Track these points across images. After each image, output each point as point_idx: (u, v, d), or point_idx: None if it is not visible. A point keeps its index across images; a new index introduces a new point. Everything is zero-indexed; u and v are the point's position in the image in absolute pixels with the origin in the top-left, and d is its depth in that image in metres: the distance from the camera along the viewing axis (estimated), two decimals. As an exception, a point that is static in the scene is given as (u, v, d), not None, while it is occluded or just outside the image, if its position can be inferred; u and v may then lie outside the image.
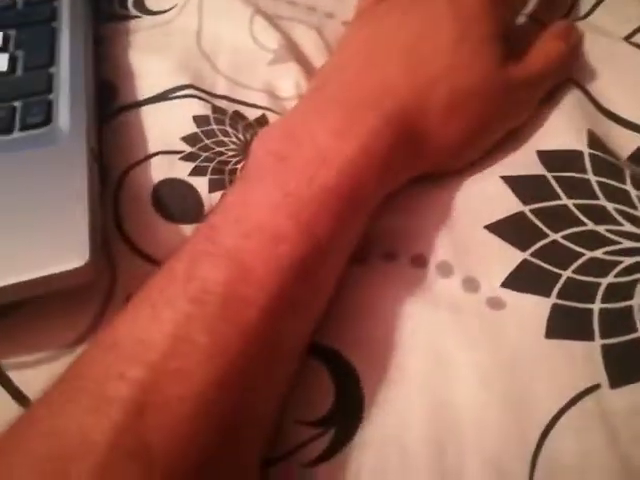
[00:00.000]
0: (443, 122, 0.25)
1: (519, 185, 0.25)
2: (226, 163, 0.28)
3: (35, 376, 0.23)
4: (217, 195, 0.27)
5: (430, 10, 0.26)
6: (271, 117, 0.31)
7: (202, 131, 0.29)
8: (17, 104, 0.28)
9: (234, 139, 0.29)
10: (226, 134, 0.29)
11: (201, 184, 0.27)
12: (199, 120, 0.30)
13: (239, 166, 0.28)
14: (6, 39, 0.32)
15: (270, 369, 0.19)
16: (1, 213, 0.23)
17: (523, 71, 0.27)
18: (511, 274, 0.23)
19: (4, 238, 0.23)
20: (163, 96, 0.31)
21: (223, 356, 0.18)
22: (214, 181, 0.28)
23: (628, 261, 0.23)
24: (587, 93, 0.29)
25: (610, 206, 0.24)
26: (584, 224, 0.24)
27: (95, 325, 0.24)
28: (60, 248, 0.22)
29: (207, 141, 0.29)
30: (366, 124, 0.23)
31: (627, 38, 0.30)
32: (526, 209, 0.24)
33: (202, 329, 0.18)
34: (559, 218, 0.24)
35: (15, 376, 0.22)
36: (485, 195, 0.25)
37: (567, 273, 0.23)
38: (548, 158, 0.26)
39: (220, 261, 0.19)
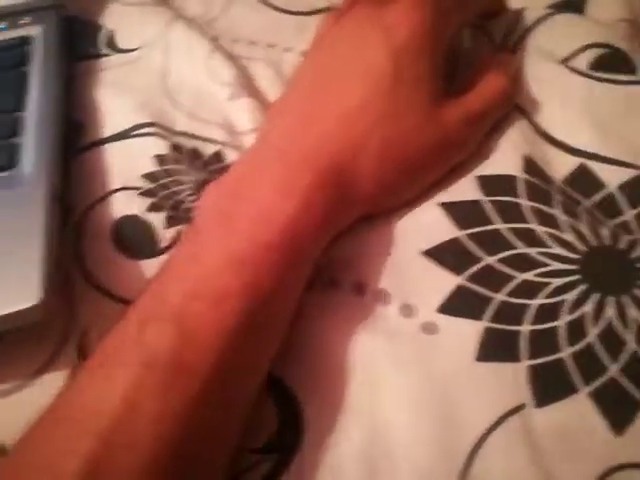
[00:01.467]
0: (378, 170, 0.25)
1: (455, 210, 0.26)
2: (182, 202, 0.30)
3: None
4: (172, 231, 0.29)
5: (366, 49, 0.27)
6: (227, 152, 0.32)
7: (161, 170, 0.31)
8: (-18, 148, 0.30)
9: (191, 178, 0.31)
10: (183, 173, 0.31)
11: (157, 220, 0.29)
12: (159, 159, 0.31)
13: (194, 205, 0.30)
14: (-23, 84, 0.34)
15: (221, 427, 0.20)
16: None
17: (462, 110, 0.27)
18: (447, 299, 0.24)
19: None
20: (125, 134, 0.33)
21: (171, 422, 0.19)
22: (169, 218, 0.29)
23: (556, 282, 0.24)
24: (527, 116, 0.30)
25: (540, 229, 0.25)
26: (515, 247, 0.25)
27: (53, 358, 0.25)
28: (14, 288, 0.24)
29: (166, 179, 0.31)
30: (304, 181, 0.24)
31: (565, 61, 0.31)
32: (461, 234, 0.25)
33: (151, 396, 0.19)
34: (493, 242, 0.25)
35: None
36: (423, 222, 0.26)
37: (499, 296, 0.24)
38: (486, 183, 0.27)
39: (167, 327, 0.20)
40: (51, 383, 0.24)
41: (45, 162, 0.29)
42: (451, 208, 0.26)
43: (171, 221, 0.29)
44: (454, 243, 0.25)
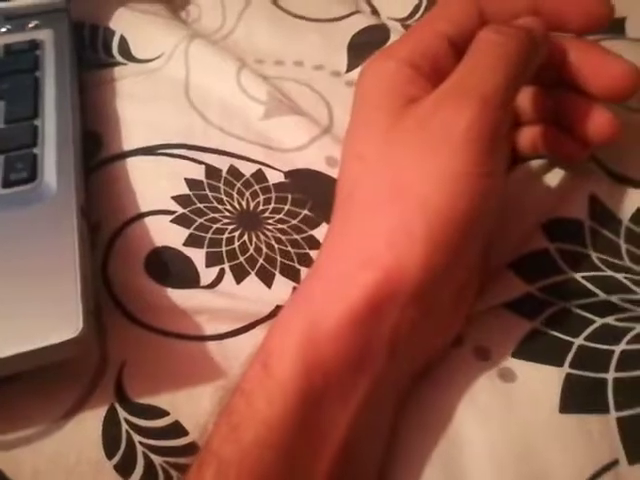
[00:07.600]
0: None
1: (524, 265, 0.24)
2: (221, 231, 0.27)
3: (22, 455, 0.21)
4: (214, 270, 0.26)
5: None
6: (267, 172, 0.30)
7: (195, 194, 0.29)
8: (-2, 159, 0.27)
9: (229, 207, 0.28)
10: (220, 202, 0.28)
11: (198, 257, 0.26)
12: (191, 183, 0.29)
13: (235, 234, 0.27)
14: (-14, 90, 0.31)
15: None
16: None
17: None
18: (521, 343, 0.23)
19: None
20: (151, 150, 0.30)
21: None
22: (211, 254, 0.27)
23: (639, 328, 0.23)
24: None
25: (620, 276, 0.24)
26: (595, 295, 0.23)
27: (87, 396, 0.22)
28: (51, 318, 0.21)
29: (200, 205, 0.28)
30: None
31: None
32: (533, 288, 0.24)
33: None
34: (568, 291, 0.23)
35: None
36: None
37: (579, 341, 0.22)
38: (552, 228, 0.25)
39: None
40: (86, 422, 0.22)
41: (69, 175, 0.26)
42: (519, 263, 0.25)
43: (212, 259, 0.26)
44: (526, 296, 0.24)
